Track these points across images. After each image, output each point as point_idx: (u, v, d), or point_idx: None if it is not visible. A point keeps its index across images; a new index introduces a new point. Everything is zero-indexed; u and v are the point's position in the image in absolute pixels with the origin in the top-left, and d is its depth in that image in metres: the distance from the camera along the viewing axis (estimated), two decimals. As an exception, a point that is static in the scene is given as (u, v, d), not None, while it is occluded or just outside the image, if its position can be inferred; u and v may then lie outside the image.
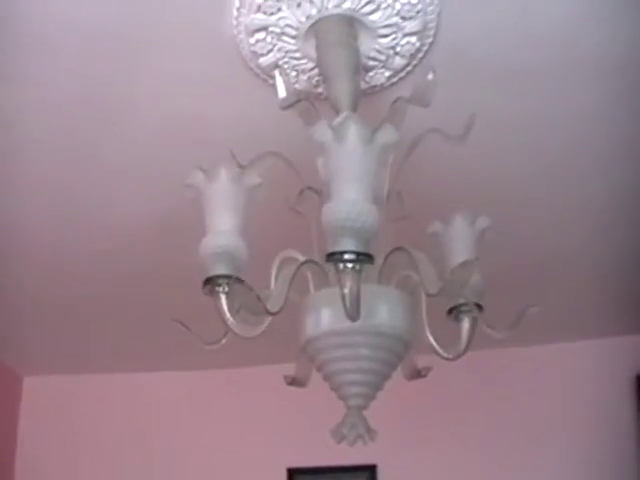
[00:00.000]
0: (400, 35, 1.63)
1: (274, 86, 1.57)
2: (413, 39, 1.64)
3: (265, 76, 1.70)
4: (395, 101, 1.42)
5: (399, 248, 1.38)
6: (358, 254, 1.21)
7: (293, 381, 1.57)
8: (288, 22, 1.58)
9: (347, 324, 1.28)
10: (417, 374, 1.56)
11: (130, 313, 2.78)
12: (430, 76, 1.43)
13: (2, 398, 3.19)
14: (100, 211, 2.24)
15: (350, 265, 1.21)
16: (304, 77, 1.71)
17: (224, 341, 1.43)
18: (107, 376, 3.24)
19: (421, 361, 1.54)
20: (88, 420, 3.23)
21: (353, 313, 1.23)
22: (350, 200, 1.22)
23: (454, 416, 3.00)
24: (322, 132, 1.25)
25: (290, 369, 1.56)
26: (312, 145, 1.32)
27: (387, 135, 1.25)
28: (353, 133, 1.23)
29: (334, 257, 1.22)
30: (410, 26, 1.61)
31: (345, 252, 1.20)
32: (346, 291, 1.22)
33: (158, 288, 2.60)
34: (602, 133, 1.96)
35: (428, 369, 1.55)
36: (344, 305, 1.23)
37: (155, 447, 3.16)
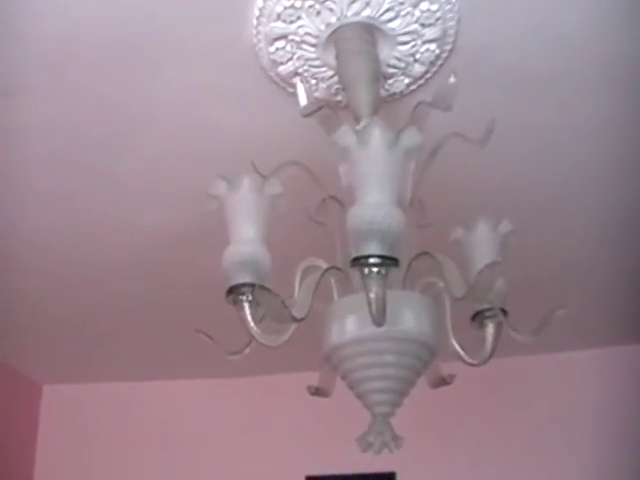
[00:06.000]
0: (420, 42, 1.63)
1: (294, 95, 1.58)
2: (433, 46, 1.64)
3: (285, 85, 1.70)
4: (417, 105, 1.41)
5: (424, 253, 1.37)
6: (384, 258, 1.20)
7: (317, 391, 1.55)
8: (308, 30, 1.58)
9: (372, 330, 1.27)
10: (442, 381, 1.55)
11: (148, 322, 2.78)
12: (452, 79, 1.43)
13: (22, 406, 3.21)
14: (118, 223, 2.23)
15: (376, 269, 1.20)
16: (324, 85, 1.70)
17: (247, 350, 1.43)
18: (127, 384, 3.23)
19: (443, 368, 1.53)
20: (107, 428, 3.22)
21: (379, 318, 1.22)
22: (375, 203, 1.21)
23: (473, 424, 2.98)
24: (346, 137, 1.24)
25: (309, 377, 1.55)
26: (334, 152, 1.32)
27: (411, 138, 1.24)
28: (377, 136, 1.22)
29: (359, 262, 1.21)
30: (430, 33, 1.61)
31: (370, 256, 1.20)
32: (372, 295, 1.21)
33: (177, 298, 2.60)
34: (620, 139, 1.95)
35: (453, 376, 1.53)
36: (370, 310, 1.22)
37: (174, 455, 3.16)
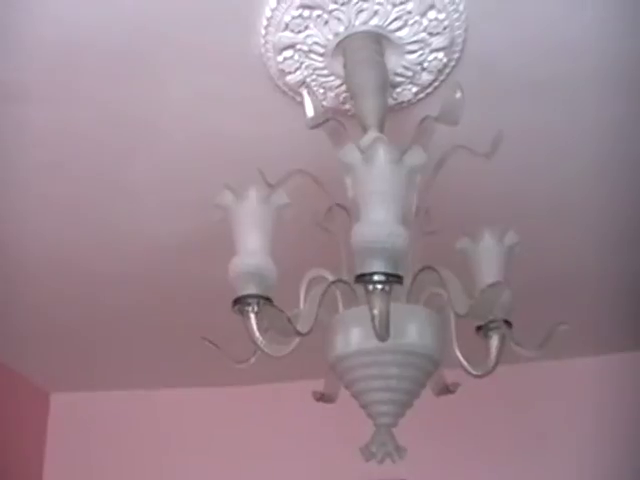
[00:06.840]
0: (427, 51, 1.63)
1: (302, 103, 1.57)
2: (440, 55, 1.64)
3: (292, 94, 1.70)
4: (423, 120, 1.41)
5: (428, 267, 1.38)
6: (387, 275, 1.21)
7: (322, 397, 1.57)
8: (316, 40, 1.59)
9: (376, 343, 1.27)
10: (445, 390, 1.56)
11: (155, 330, 2.78)
12: (458, 95, 1.43)
13: (29, 414, 3.22)
14: (123, 231, 2.23)
15: (379, 286, 1.21)
16: (331, 94, 1.71)
17: (253, 360, 1.45)
18: (135, 392, 3.24)
19: (447, 376, 1.54)
20: (116, 436, 3.23)
21: (382, 334, 1.23)
22: (379, 222, 1.22)
23: (482, 431, 2.98)
24: (350, 154, 1.25)
25: (317, 385, 1.57)
26: (340, 165, 1.33)
27: (416, 157, 1.25)
28: (381, 155, 1.22)
29: (363, 278, 1.22)
30: (437, 42, 1.61)
31: (374, 273, 1.21)
32: (375, 312, 1.22)
33: (185, 306, 2.61)
34: (629, 144, 1.94)
35: (456, 385, 1.54)
36: (373, 326, 1.23)
37: (183, 463, 3.15)
